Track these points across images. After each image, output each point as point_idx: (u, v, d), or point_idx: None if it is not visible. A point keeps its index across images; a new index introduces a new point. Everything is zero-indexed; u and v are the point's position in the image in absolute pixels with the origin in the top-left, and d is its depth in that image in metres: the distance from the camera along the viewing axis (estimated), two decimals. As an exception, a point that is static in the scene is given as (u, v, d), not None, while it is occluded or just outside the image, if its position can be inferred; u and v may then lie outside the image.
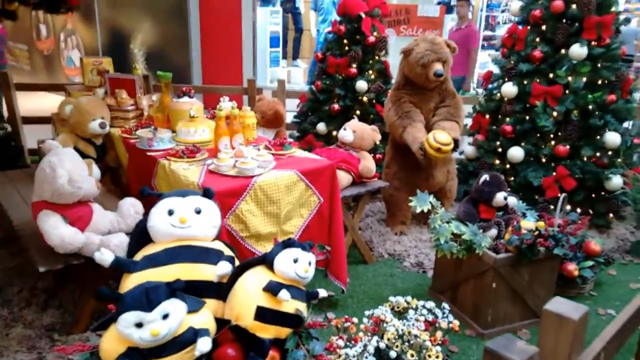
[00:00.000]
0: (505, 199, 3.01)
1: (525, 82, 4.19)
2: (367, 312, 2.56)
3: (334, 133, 4.50)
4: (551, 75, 4.10)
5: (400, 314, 2.64)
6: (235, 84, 6.54)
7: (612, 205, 4.03)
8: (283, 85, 5.08)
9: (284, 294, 1.76)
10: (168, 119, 3.45)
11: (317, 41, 9.40)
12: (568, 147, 3.99)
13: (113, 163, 3.61)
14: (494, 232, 2.93)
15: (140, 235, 2.17)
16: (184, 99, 3.39)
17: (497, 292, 2.84)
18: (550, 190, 3.98)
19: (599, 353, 1.37)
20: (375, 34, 4.43)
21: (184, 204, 1.96)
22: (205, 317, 1.65)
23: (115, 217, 2.60)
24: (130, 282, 1.87)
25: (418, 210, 2.92)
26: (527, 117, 4.17)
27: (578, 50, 3.95)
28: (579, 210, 3.96)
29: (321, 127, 4.54)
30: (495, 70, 4.60)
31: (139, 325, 1.47)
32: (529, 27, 4.26)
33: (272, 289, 1.77)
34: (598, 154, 4.00)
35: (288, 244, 1.89)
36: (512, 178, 4.20)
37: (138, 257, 1.98)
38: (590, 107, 3.98)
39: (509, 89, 4.22)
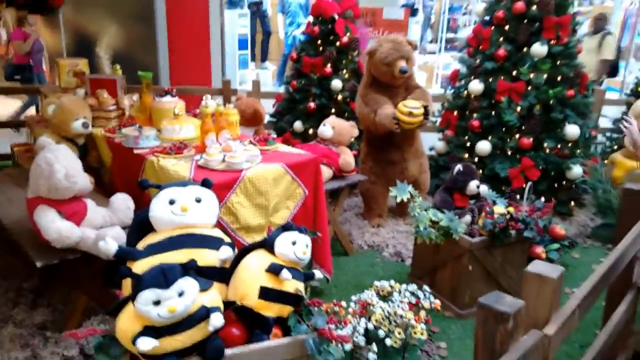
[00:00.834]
0: (478, 187, 3.22)
1: (490, 79, 4.43)
2: (354, 297, 2.71)
3: (310, 131, 4.64)
4: (514, 72, 4.35)
5: (385, 297, 2.79)
6: (204, 86, 6.61)
7: (573, 193, 4.31)
8: (257, 86, 5.20)
9: (285, 273, 1.88)
10: (150, 118, 3.51)
11: (285, 43, 9.53)
12: (531, 139, 4.25)
13: (95, 163, 3.63)
14: (468, 218, 3.12)
15: (138, 227, 2.25)
16: (166, 98, 3.46)
17: (473, 274, 3.03)
18: (516, 180, 4.23)
19: (574, 309, 1.55)
20: (348, 34, 4.60)
21: (185, 193, 2.05)
22: (214, 296, 1.76)
23: (107, 213, 2.66)
24: (135, 269, 1.95)
25: (398, 199, 3.09)
26: (493, 113, 4.41)
27: (539, 49, 4.22)
28: (542, 199, 4.22)
29: (298, 125, 4.67)
30: (462, 69, 4.84)
31: (157, 302, 1.56)
32: (492, 28, 4.51)
33: (275, 269, 1.89)
34: (559, 146, 4.28)
35: (286, 227, 2.02)
36: (481, 170, 4.42)
37: (140, 246, 2.06)
38: (551, 102, 4.25)
39: (476, 86, 4.45)
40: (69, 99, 3.44)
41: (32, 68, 6.83)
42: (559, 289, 1.50)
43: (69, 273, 2.71)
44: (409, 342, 2.48)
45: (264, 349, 1.79)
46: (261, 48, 9.98)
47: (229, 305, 1.94)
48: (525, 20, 4.33)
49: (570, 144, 4.30)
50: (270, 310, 1.90)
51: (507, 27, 4.41)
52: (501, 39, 4.43)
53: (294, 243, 1.98)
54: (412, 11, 9.47)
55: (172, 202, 2.05)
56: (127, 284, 1.98)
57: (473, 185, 3.19)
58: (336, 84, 4.53)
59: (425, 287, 2.72)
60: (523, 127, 4.31)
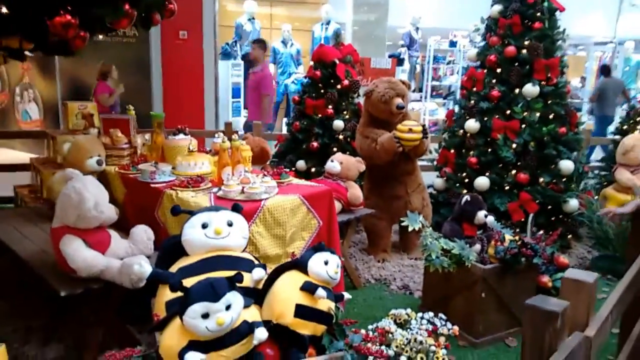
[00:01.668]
0: (486, 216, 3.32)
1: (485, 118, 4.63)
2: (370, 326, 2.73)
3: (313, 170, 4.75)
4: (508, 111, 4.56)
5: (402, 325, 2.82)
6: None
7: (570, 225, 4.44)
8: (258, 128, 5.36)
9: (320, 291, 1.92)
10: (162, 156, 3.58)
11: (277, 92, 9.80)
12: (528, 174, 4.41)
13: (107, 200, 3.66)
14: (478, 247, 3.20)
15: (166, 254, 2.30)
16: (180, 136, 3.55)
17: (486, 302, 3.08)
18: (516, 214, 4.35)
19: (608, 315, 1.62)
20: (348, 78, 4.80)
21: (218, 217, 2.11)
22: (254, 313, 1.79)
23: (128, 244, 2.68)
24: (170, 292, 1.98)
25: (410, 228, 3.16)
26: (490, 150, 4.58)
27: (531, 89, 4.46)
28: (542, 231, 4.34)
29: (301, 164, 4.78)
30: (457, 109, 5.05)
31: (205, 316, 1.59)
32: (485, 70, 4.76)
33: (309, 287, 1.94)
34: (554, 181, 4.44)
35: (318, 248, 2.07)
36: (481, 205, 4.55)
37: (173, 269, 2.10)
38: (545, 138, 4.45)
39: (472, 124, 4.64)
40: (84, 137, 3.51)
41: None
42: (595, 294, 1.57)
43: (82, 309, 2.70)
44: (432, 366, 2.48)
45: (304, 366, 1.81)
46: (253, 96, 10.24)
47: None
48: (517, 63, 4.59)
49: (564, 179, 4.47)
50: (306, 328, 1.93)
51: (499, 70, 4.66)
52: (494, 80, 4.67)
53: (326, 263, 2.04)
54: (399, 61, 9.85)
55: (204, 226, 2.11)
56: (160, 302, 2.00)
57: (481, 215, 3.30)
58: (338, 123, 4.69)
59: (441, 315, 2.75)
60: (519, 163, 4.48)
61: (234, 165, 3.16)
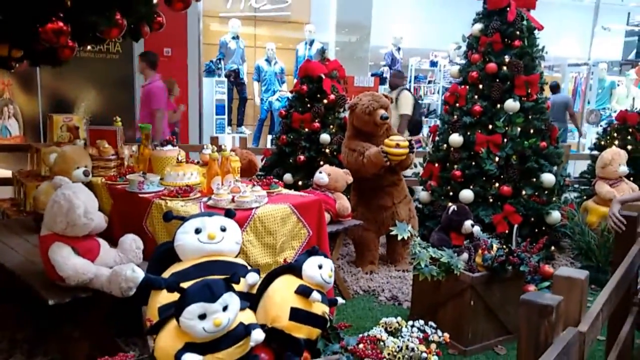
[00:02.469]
0: (473, 226, 3.37)
1: (468, 132, 4.72)
2: (360, 335, 2.73)
3: (300, 182, 4.77)
4: (490, 126, 4.66)
5: (393, 333, 2.83)
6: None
7: (553, 237, 4.52)
8: (245, 142, 5.43)
9: (316, 294, 1.93)
10: (149, 167, 3.57)
11: (261, 109, 9.86)
12: (511, 187, 4.50)
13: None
14: (465, 255, 3.24)
15: (157, 261, 2.28)
16: (167, 147, 3.54)
17: (475, 310, 3.11)
18: (500, 225, 4.42)
19: (599, 312, 1.66)
20: (334, 92, 4.87)
21: (211, 222, 2.11)
22: (250, 315, 1.78)
23: (117, 253, 2.65)
24: (162, 298, 1.96)
25: (399, 237, 3.19)
26: (474, 163, 4.66)
27: (512, 105, 4.57)
28: (527, 240, 4.41)
29: (287, 177, 4.80)
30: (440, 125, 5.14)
31: (202, 317, 1.58)
32: (467, 87, 4.87)
33: (304, 291, 1.94)
34: (537, 193, 4.53)
35: (312, 252, 2.08)
36: (465, 218, 4.61)
37: (165, 275, 2.08)
38: (527, 152, 4.55)
39: (456, 138, 4.73)
40: (70, 147, 3.48)
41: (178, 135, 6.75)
42: (586, 290, 1.61)
43: (69, 322, 2.65)
44: (425, 373, 2.49)
45: (299, 369, 1.80)
46: (237, 113, 10.26)
47: (256, 331, 1.95)
48: (498, 80, 4.71)
49: (546, 192, 4.56)
50: (301, 332, 1.93)
51: (481, 86, 4.77)
52: (476, 96, 4.78)
53: (320, 267, 2.05)
54: (381, 80, 10.00)
55: (198, 231, 2.11)
56: (152, 308, 1.98)
57: (468, 224, 3.35)
58: (324, 137, 4.74)
59: (432, 323, 2.77)
60: (502, 176, 4.57)
61: (223, 175, 3.16)
